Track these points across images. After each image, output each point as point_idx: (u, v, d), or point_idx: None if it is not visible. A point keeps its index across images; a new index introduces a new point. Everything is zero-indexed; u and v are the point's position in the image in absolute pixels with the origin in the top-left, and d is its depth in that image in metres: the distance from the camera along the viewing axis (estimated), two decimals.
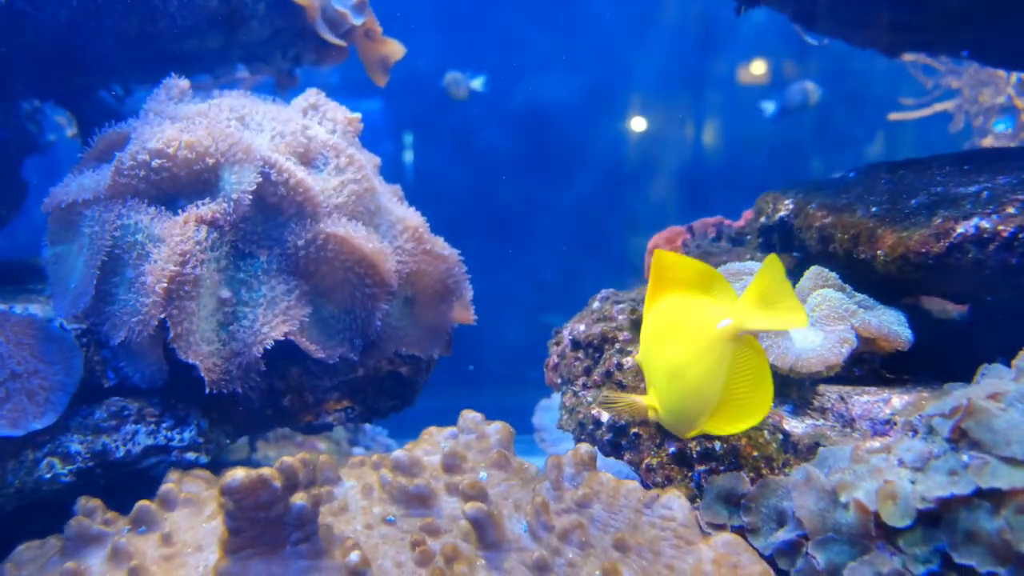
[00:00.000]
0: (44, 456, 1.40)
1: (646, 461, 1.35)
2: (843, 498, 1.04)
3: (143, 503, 1.23)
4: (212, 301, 1.46)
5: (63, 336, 1.48)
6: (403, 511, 1.20)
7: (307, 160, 1.65)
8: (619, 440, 1.41)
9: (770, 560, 1.09)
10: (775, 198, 1.78)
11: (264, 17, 2.08)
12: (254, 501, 1.01)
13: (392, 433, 3.22)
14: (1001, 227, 1.18)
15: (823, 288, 1.37)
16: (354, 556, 1.02)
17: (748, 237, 2.01)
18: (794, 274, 1.51)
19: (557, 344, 1.75)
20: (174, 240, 1.40)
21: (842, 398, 1.25)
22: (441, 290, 1.78)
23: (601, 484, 1.17)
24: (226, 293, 1.47)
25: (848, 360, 1.26)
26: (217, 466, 1.55)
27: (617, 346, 1.53)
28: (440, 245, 1.78)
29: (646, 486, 1.31)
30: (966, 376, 1.19)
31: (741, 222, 2.23)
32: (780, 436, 1.22)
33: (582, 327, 1.66)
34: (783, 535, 1.08)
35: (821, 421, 1.25)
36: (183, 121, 1.55)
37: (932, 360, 1.33)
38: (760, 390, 1.05)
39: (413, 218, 1.76)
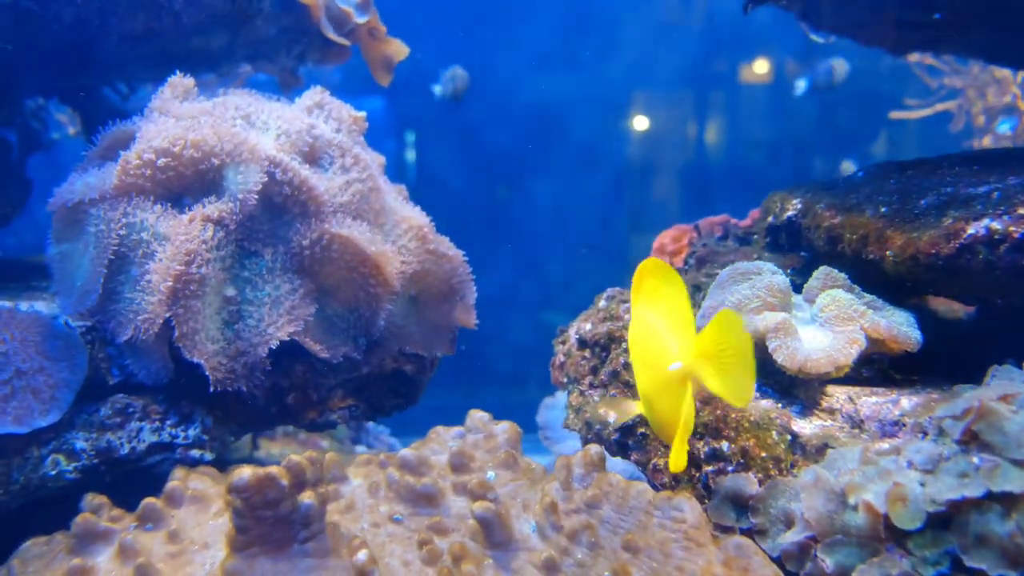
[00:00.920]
0: (49, 453, 1.40)
1: (653, 461, 1.34)
2: (852, 500, 1.04)
3: (149, 500, 1.23)
4: (217, 300, 1.45)
5: (68, 333, 1.47)
6: (410, 510, 1.20)
7: (312, 159, 1.64)
8: (626, 440, 1.40)
9: (778, 562, 1.08)
10: (783, 198, 1.77)
11: (269, 15, 2.07)
12: (261, 499, 1.01)
13: (395, 432, 3.22)
14: (1012, 228, 1.18)
15: (832, 289, 1.37)
16: (361, 555, 1.01)
17: (755, 236, 2.00)
18: (802, 274, 1.50)
19: (563, 343, 1.74)
20: (180, 239, 1.40)
21: (851, 399, 1.25)
22: (445, 290, 1.77)
23: (611, 485, 1.17)
24: (231, 292, 1.47)
25: (857, 361, 1.26)
26: (221, 464, 1.55)
27: (624, 345, 1.53)
28: (445, 245, 1.77)
29: (653, 486, 1.31)
30: (975, 378, 1.19)
31: (747, 221, 2.22)
32: (788, 437, 1.22)
33: (588, 326, 1.65)
34: (792, 537, 1.08)
35: (830, 422, 1.24)
36: (188, 120, 1.55)
37: (941, 362, 1.32)
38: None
39: (418, 218, 1.76)
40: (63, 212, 1.52)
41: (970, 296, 1.42)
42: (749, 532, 1.14)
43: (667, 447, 1.31)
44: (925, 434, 1.10)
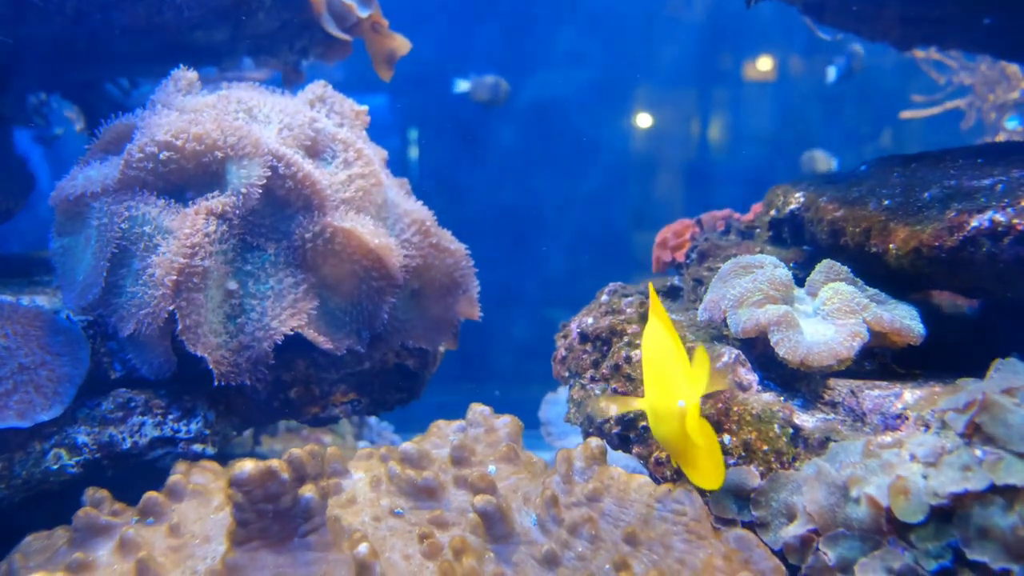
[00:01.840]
0: (51, 447, 1.40)
1: (655, 455, 1.34)
2: (854, 493, 1.03)
3: (151, 494, 1.23)
4: (220, 293, 1.45)
5: (70, 328, 1.47)
6: (411, 504, 1.20)
7: (315, 153, 1.64)
8: (628, 434, 1.40)
9: (780, 555, 1.08)
10: (786, 191, 1.76)
11: (271, 9, 2.07)
12: (263, 493, 1.00)
13: (398, 428, 3.22)
14: (1016, 220, 1.17)
15: (834, 282, 1.36)
16: (362, 548, 1.01)
17: (757, 230, 2.00)
18: (805, 268, 1.50)
19: (565, 337, 1.74)
20: (183, 232, 1.40)
21: (853, 392, 1.24)
22: (448, 283, 1.77)
23: (612, 478, 1.16)
24: (234, 285, 1.47)
25: (859, 354, 1.25)
26: (223, 458, 1.55)
27: (626, 339, 1.52)
28: (447, 239, 1.77)
29: (655, 480, 1.31)
30: (978, 371, 1.18)
31: (750, 215, 2.21)
32: (790, 430, 1.21)
33: (590, 320, 1.65)
34: (793, 530, 1.08)
35: (832, 415, 1.24)
36: (191, 113, 1.55)
37: (944, 355, 1.32)
38: (710, 460, 1.10)
39: (420, 212, 1.75)
40: (65, 206, 1.52)
41: (973, 289, 1.41)
42: (751, 525, 1.14)
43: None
44: (928, 427, 1.10)
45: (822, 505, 1.05)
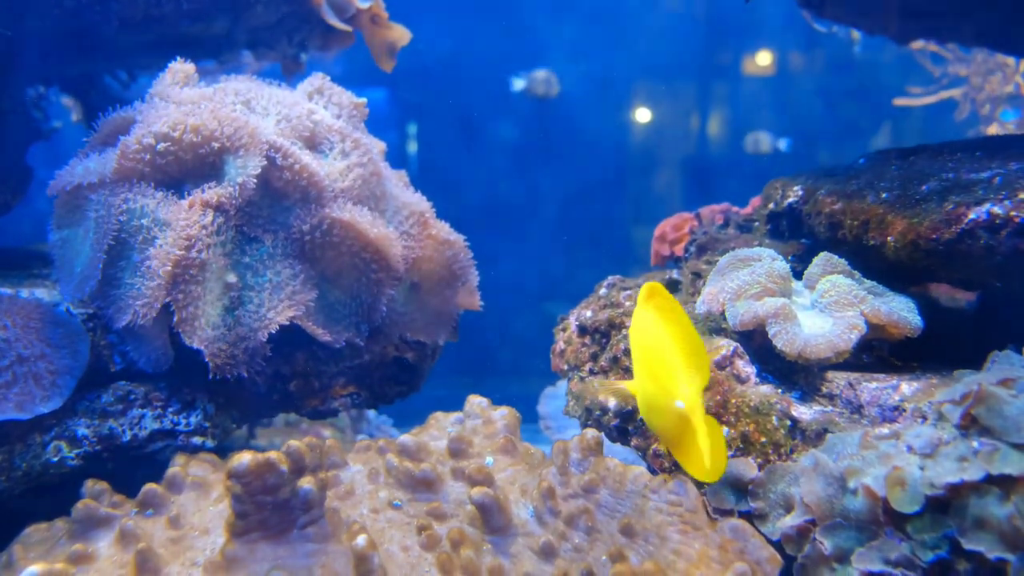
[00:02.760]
0: (51, 440, 1.41)
1: (653, 447, 1.34)
2: (851, 484, 1.04)
3: (150, 486, 1.23)
4: (218, 285, 1.45)
5: (69, 320, 1.48)
6: (409, 496, 1.20)
7: (313, 144, 1.64)
8: (626, 426, 1.40)
9: (777, 545, 1.08)
10: (784, 184, 1.77)
11: (270, 2, 2.06)
12: (261, 485, 1.01)
13: (396, 422, 3.22)
14: (1013, 213, 1.17)
15: (832, 274, 1.36)
16: (361, 540, 1.01)
17: (756, 224, 2.00)
18: (803, 261, 1.50)
19: (563, 330, 1.74)
20: (180, 224, 1.40)
21: (850, 384, 1.25)
22: (447, 275, 1.77)
23: (608, 469, 1.17)
24: (232, 278, 1.47)
25: (857, 346, 1.25)
26: (223, 451, 1.55)
27: (624, 332, 1.53)
28: (446, 231, 1.77)
29: (653, 472, 1.31)
30: (975, 364, 1.19)
31: (748, 209, 2.21)
32: (788, 422, 1.22)
33: (589, 313, 1.65)
34: (791, 520, 1.08)
35: (829, 407, 1.24)
36: (188, 105, 1.55)
37: (941, 347, 1.32)
38: (714, 456, 1.07)
39: (419, 203, 1.75)
40: (64, 198, 1.52)
41: (971, 282, 1.41)
42: (748, 516, 1.14)
43: None
44: (925, 419, 1.10)
45: (819, 496, 1.06)
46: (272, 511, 1.03)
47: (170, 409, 1.51)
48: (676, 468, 1.28)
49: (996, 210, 1.20)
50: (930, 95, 4.08)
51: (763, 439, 1.22)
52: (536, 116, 4.98)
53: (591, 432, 1.22)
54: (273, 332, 1.47)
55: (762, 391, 1.28)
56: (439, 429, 1.35)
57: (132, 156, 1.46)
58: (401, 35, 2.35)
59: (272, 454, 1.01)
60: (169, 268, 1.36)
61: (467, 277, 1.79)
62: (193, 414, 1.53)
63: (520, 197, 5.04)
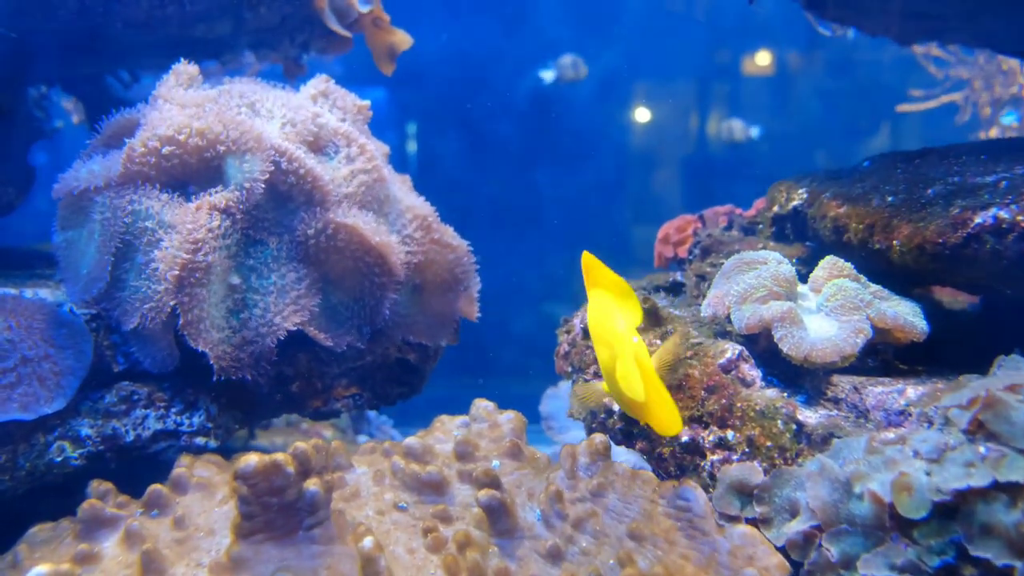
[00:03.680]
0: (55, 440, 1.41)
1: (658, 450, 1.34)
2: (857, 489, 1.04)
3: (155, 487, 1.23)
4: (223, 288, 1.45)
5: (73, 321, 1.47)
6: (415, 498, 1.20)
7: (317, 148, 1.64)
8: (631, 428, 1.40)
9: (783, 551, 1.08)
10: (789, 187, 1.77)
11: (272, 4, 2.06)
12: (267, 486, 1.01)
13: (397, 423, 3.22)
14: (1020, 217, 1.17)
15: (838, 278, 1.36)
16: (367, 542, 1.01)
17: (760, 226, 2.00)
18: (808, 264, 1.50)
19: (567, 332, 1.74)
20: (187, 227, 1.39)
21: (856, 388, 1.25)
22: (449, 279, 1.77)
23: (616, 474, 1.17)
24: (236, 280, 1.47)
25: (863, 350, 1.25)
26: (225, 452, 1.55)
27: None
28: (449, 235, 1.77)
29: (659, 475, 1.31)
30: (981, 368, 1.19)
31: (752, 211, 2.22)
32: (794, 426, 1.22)
33: None
34: (796, 526, 1.08)
35: (835, 411, 1.24)
36: (193, 108, 1.55)
37: (947, 352, 1.32)
38: (663, 407, 1.13)
39: (422, 207, 1.75)
40: (69, 200, 1.52)
41: (977, 286, 1.41)
42: (754, 521, 1.14)
43: (671, 437, 1.31)
44: (931, 424, 1.10)
45: (825, 501, 1.05)
46: (278, 512, 1.02)
47: (173, 410, 1.51)
48: (682, 473, 1.28)
49: (1002, 214, 1.20)
50: (932, 100, 4.08)
51: (768, 443, 1.22)
52: (537, 117, 4.98)
53: (599, 436, 1.22)
54: (281, 338, 1.47)
55: (768, 395, 1.28)
56: (445, 432, 1.35)
57: (138, 159, 1.46)
58: (402, 39, 2.35)
59: (279, 456, 1.01)
60: (176, 271, 1.36)
61: (469, 281, 1.79)
62: (196, 415, 1.53)
63: (523, 197, 5.05)
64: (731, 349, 1.35)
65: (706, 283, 1.65)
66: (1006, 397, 0.99)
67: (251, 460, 0.99)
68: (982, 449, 0.98)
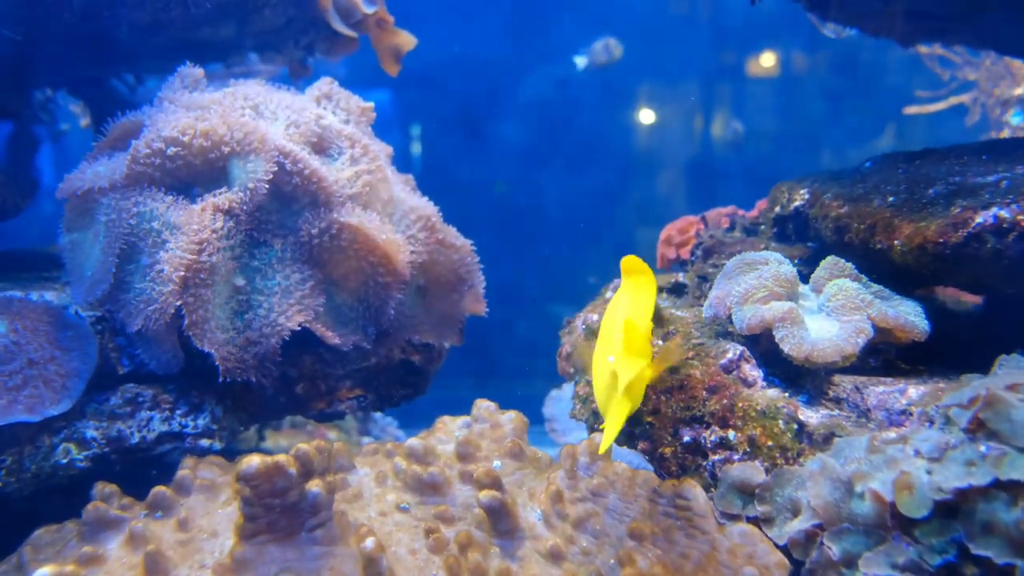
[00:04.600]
0: (60, 442, 1.41)
1: (660, 450, 1.35)
2: (859, 488, 1.04)
3: (159, 489, 1.24)
4: (227, 289, 1.46)
5: (79, 323, 1.48)
6: (417, 499, 1.21)
7: (321, 149, 1.65)
8: (633, 429, 1.41)
9: (784, 550, 1.09)
10: (791, 188, 1.77)
11: (277, 6, 2.07)
12: (270, 488, 1.01)
13: (402, 424, 3.23)
14: (1021, 217, 1.17)
15: (839, 278, 1.37)
16: (369, 542, 1.02)
17: (762, 227, 2.00)
18: (809, 264, 1.50)
19: (570, 333, 1.75)
20: (191, 228, 1.40)
21: (857, 388, 1.25)
22: (453, 279, 1.78)
23: (616, 473, 1.17)
24: (241, 281, 1.48)
25: (864, 350, 1.25)
26: (229, 454, 1.56)
27: None
28: (453, 235, 1.78)
29: (660, 475, 1.31)
30: (982, 368, 1.19)
31: (754, 212, 2.22)
32: (795, 426, 1.22)
33: (596, 316, 1.66)
34: (798, 525, 1.08)
35: (836, 411, 1.24)
36: (198, 110, 1.55)
37: (948, 351, 1.32)
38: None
39: (426, 208, 1.76)
40: (74, 201, 1.53)
41: (978, 285, 1.41)
42: (756, 521, 1.14)
43: (673, 436, 1.31)
44: (932, 423, 1.10)
45: (827, 500, 1.06)
46: (281, 514, 1.03)
47: (178, 411, 1.52)
48: (683, 472, 1.29)
49: (1003, 214, 1.20)
50: (940, 101, 4.06)
51: (770, 443, 1.22)
52: (540, 118, 4.99)
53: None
54: (286, 338, 1.48)
55: (769, 395, 1.28)
56: (446, 433, 1.36)
57: (143, 160, 1.47)
58: (406, 40, 2.36)
59: (281, 457, 1.02)
60: (181, 272, 1.37)
61: (473, 281, 1.80)
62: (201, 416, 1.54)
63: (525, 199, 5.05)
64: (733, 349, 1.35)
65: (708, 284, 1.65)
66: (1006, 396, 0.99)
67: (253, 462, 1.00)
68: (983, 448, 0.98)
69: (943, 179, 1.38)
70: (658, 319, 1.53)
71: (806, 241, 1.75)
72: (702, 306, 1.49)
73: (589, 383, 1.59)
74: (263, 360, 1.49)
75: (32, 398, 1.37)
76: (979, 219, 1.22)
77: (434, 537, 1.11)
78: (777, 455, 1.21)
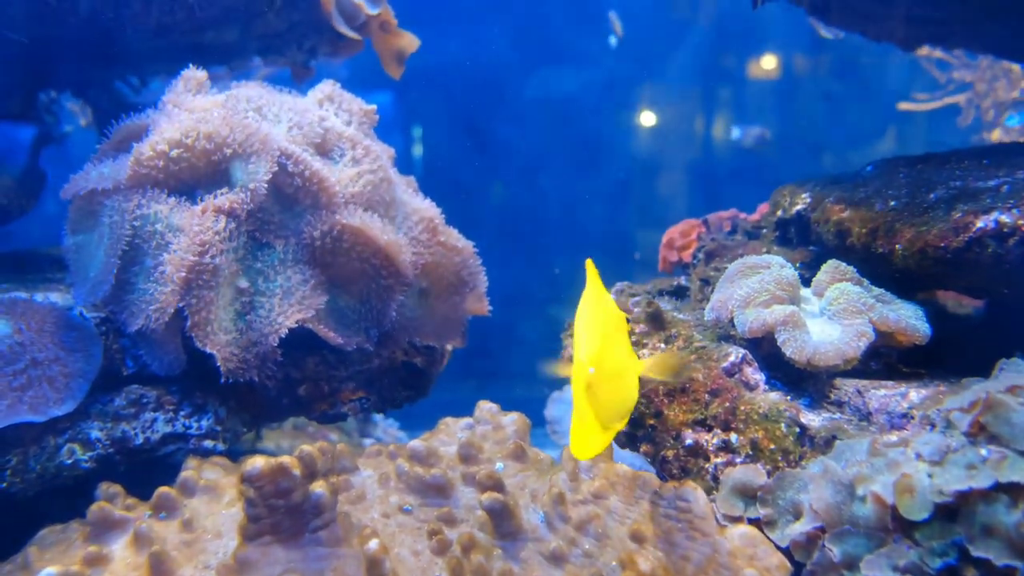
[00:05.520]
0: (65, 442, 1.42)
1: (662, 453, 1.35)
2: (860, 491, 1.04)
3: (164, 489, 1.24)
4: (230, 290, 1.47)
5: (83, 324, 1.49)
6: (420, 500, 1.21)
7: (324, 151, 1.65)
8: (635, 432, 1.41)
9: (786, 552, 1.09)
10: (792, 191, 1.77)
11: (281, 9, 2.08)
12: (274, 488, 1.02)
13: (404, 426, 3.23)
14: (1021, 221, 1.18)
15: (840, 282, 1.37)
16: (373, 544, 1.02)
17: (764, 230, 2.01)
18: (811, 268, 1.51)
19: (572, 336, 1.75)
20: (193, 230, 1.41)
21: (859, 392, 1.25)
22: (456, 281, 1.78)
23: (618, 476, 1.18)
24: (243, 283, 1.48)
25: (865, 354, 1.26)
26: (232, 455, 1.56)
27: (633, 338, 1.54)
28: (455, 237, 1.78)
29: (662, 478, 1.32)
30: (983, 371, 1.19)
31: (756, 216, 2.22)
32: (797, 429, 1.22)
33: None
34: (800, 527, 1.09)
35: (838, 414, 1.25)
36: (201, 112, 1.56)
37: (949, 355, 1.33)
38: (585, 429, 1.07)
39: (428, 209, 1.76)
40: (79, 203, 1.53)
41: (979, 289, 1.42)
42: (757, 523, 1.15)
43: (675, 439, 1.32)
44: (933, 426, 1.11)
45: (828, 503, 1.06)
46: (284, 515, 1.04)
47: (182, 412, 1.52)
48: (684, 474, 1.29)
49: (1004, 218, 1.20)
50: (935, 100, 4.08)
51: (772, 446, 1.22)
52: (543, 121, 4.99)
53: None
54: (283, 336, 1.48)
55: (771, 398, 1.29)
56: (449, 434, 1.36)
57: (146, 162, 1.47)
58: (410, 42, 2.37)
59: (285, 459, 1.02)
60: (183, 274, 1.37)
61: (476, 283, 1.80)
62: (204, 418, 1.54)
63: (528, 201, 5.06)
64: (734, 353, 1.36)
65: (710, 287, 1.66)
66: (1006, 399, 1.00)
67: (257, 463, 1.01)
68: (983, 451, 0.98)
69: (944, 183, 1.39)
70: (660, 322, 1.54)
71: (808, 245, 1.76)
72: (704, 309, 1.50)
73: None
74: (264, 359, 1.49)
75: (37, 399, 1.38)
76: (980, 223, 1.22)
77: (437, 539, 1.11)
78: (779, 458, 1.21)
